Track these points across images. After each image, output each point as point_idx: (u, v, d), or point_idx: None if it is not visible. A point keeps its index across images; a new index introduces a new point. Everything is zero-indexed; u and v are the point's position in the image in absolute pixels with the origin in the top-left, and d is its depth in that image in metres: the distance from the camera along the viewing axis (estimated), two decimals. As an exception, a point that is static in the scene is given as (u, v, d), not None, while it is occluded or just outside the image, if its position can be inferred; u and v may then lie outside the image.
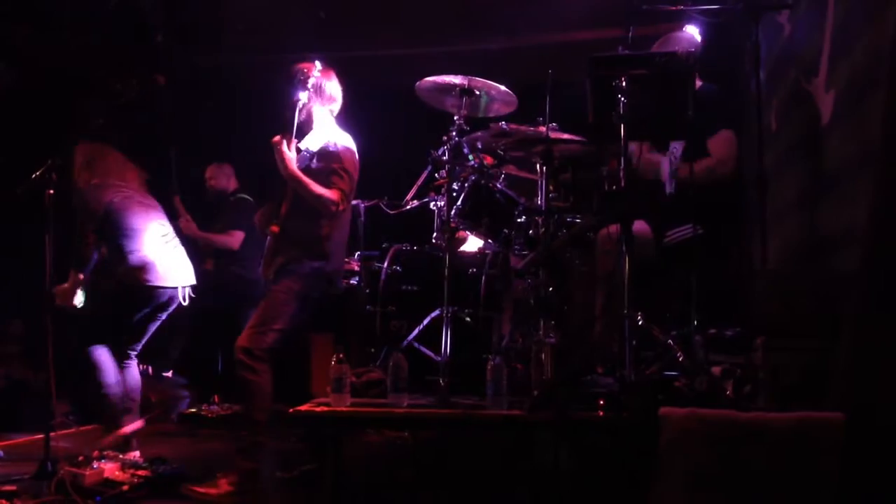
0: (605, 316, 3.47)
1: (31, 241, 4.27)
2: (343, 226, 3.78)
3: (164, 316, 4.40)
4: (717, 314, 3.55)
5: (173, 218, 5.70)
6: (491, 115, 4.07)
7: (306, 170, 3.64)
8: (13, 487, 3.32)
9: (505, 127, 3.66)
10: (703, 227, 3.39)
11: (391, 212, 4.73)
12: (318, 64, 3.68)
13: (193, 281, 4.44)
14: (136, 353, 4.36)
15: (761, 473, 2.38)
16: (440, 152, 3.84)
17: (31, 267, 4.82)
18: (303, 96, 3.62)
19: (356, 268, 4.89)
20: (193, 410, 5.49)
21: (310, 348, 5.33)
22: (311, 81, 3.64)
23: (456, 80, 3.80)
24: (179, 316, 5.74)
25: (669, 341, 3.13)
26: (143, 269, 4.14)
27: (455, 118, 3.78)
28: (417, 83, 3.89)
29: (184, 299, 4.36)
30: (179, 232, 4.71)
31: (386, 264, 4.08)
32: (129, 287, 4.15)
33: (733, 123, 3.66)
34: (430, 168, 4.25)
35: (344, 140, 3.75)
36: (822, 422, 2.38)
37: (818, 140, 3.59)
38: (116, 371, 4.21)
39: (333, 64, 3.89)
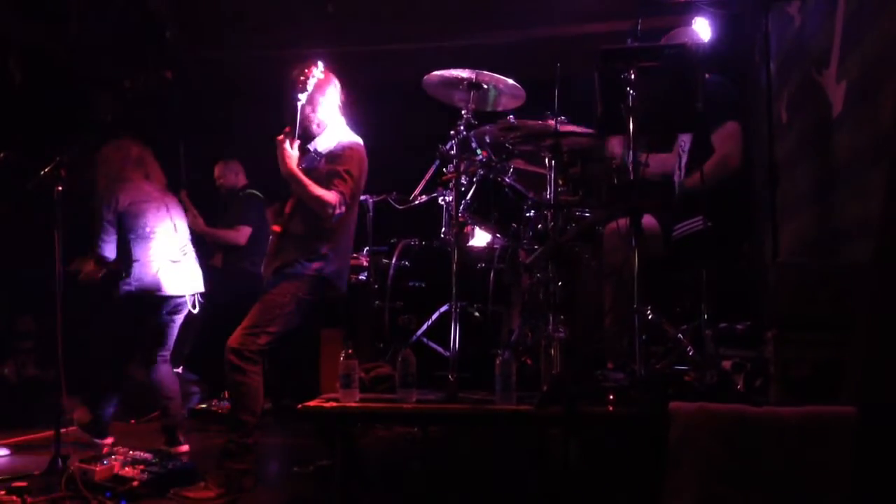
0: (614, 310, 3.45)
1: (40, 237, 4.30)
2: (347, 228, 3.71)
3: (177, 320, 4.57)
4: (728, 308, 3.53)
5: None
6: (499, 109, 4.05)
7: (313, 171, 3.59)
8: (24, 483, 3.34)
9: (512, 120, 3.65)
10: (712, 221, 3.37)
11: (399, 207, 4.72)
12: (319, 64, 3.61)
13: (201, 289, 4.64)
14: (165, 355, 4.56)
15: (772, 468, 2.36)
16: (448, 147, 3.83)
17: (40, 263, 4.84)
18: (302, 97, 3.53)
19: (365, 263, 4.89)
20: (204, 406, 5.51)
21: (319, 344, 5.33)
22: (311, 82, 3.55)
23: (464, 73, 3.79)
24: (189, 312, 5.78)
25: (679, 335, 3.12)
26: (149, 277, 4.37)
27: (463, 112, 3.77)
28: (425, 77, 3.87)
29: (193, 307, 4.57)
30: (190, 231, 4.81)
31: (394, 259, 4.07)
32: (134, 295, 4.38)
33: (739, 115, 3.63)
34: (438, 163, 4.24)
35: (352, 142, 3.69)
36: (833, 416, 2.36)
37: (830, 131, 3.56)
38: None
39: (341, 58, 3.88)
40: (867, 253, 2.62)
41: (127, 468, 3.44)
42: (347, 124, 3.77)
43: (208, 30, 6.26)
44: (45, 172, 3.92)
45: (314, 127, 3.68)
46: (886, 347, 2.37)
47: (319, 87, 3.62)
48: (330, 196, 3.50)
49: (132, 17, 5.85)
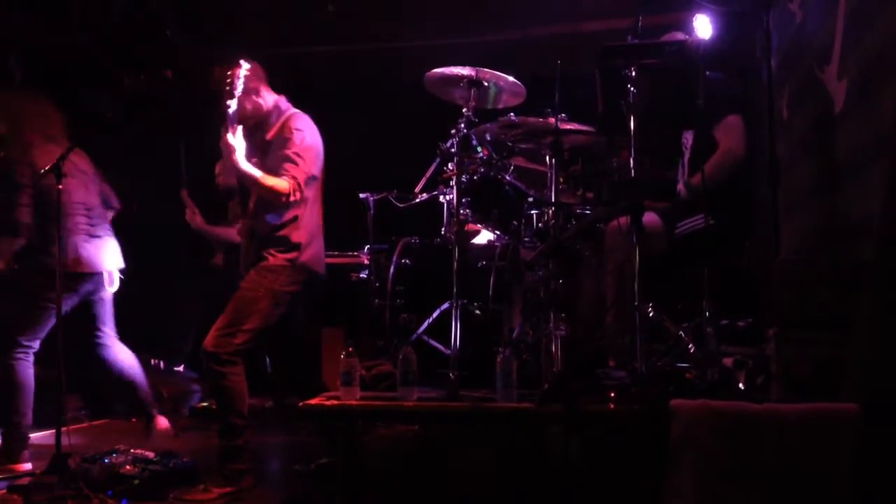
0: (615, 308, 3.45)
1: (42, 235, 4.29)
2: (314, 211, 3.65)
3: (104, 297, 4.28)
4: (730, 305, 3.52)
5: (181, 211, 5.74)
6: (500, 106, 4.04)
7: (267, 160, 3.54)
8: (26, 481, 3.34)
9: (513, 118, 3.65)
10: (714, 219, 3.36)
11: (400, 205, 4.72)
12: (244, 64, 3.52)
13: (121, 265, 4.35)
14: (106, 332, 4.33)
15: (774, 465, 2.36)
16: (449, 144, 3.82)
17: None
18: (232, 103, 3.45)
19: (365, 261, 4.89)
20: (205, 404, 5.50)
21: (320, 342, 5.33)
22: (239, 84, 3.47)
23: (464, 71, 3.78)
24: (190, 311, 5.78)
25: (681, 333, 3.11)
26: (69, 252, 4.05)
27: (463, 110, 3.76)
28: (425, 75, 3.87)
29: (112, 283, 4.28)
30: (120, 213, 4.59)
31: (395, 258, 4.07)
32: (50, 271, 3.86)
33: (741, 109, 3.62)
34: (438, 160, 4.22)
35: (298, 122, 3.61)
36: (835, 413, 2.36)
37: (831, 129, 3.55)
38: (31, 395, 3.99)
39: (341, 56, 3.89)
40: (868, 251, 2.62)
41: (128, 467, 3.44)
42: (342, 118, 3.75)
43: (209, 28, 6.25)
44: (45, 170, 3.91)
45: (260, 118, 3.63)
46: (887, 345, 2.37)
47: (249, 80, 3.54)
48: (282, 184, 3.43)
49: (133, 16, 5.85)
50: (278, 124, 3.62)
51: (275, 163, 3.51)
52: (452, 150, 3.72)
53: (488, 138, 3.83)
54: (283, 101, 3.71)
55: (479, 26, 5.93)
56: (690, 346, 3.07)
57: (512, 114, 3.73)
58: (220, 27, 6.24)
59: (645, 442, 2.64)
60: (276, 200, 3.47)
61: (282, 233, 3.54)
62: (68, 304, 4.07)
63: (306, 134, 3.58)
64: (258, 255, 3.56)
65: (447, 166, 3.93)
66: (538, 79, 3.81)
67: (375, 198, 4.90)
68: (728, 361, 3.03)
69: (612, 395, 2.81)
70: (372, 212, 4.90)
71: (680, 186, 3.64)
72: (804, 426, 2.36)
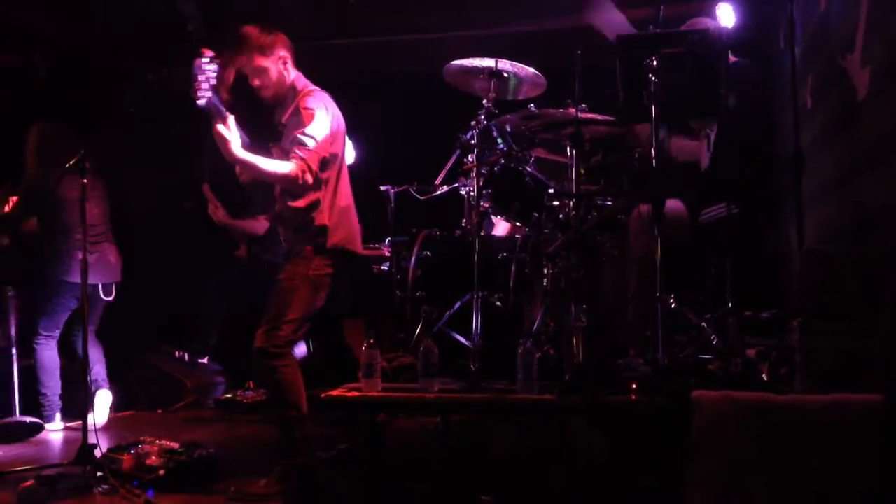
0: (637, 299, 3.44)
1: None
2: (337, 192, 3.46)
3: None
4: (753, 296, 3.50)
5: (203, 204, 5.77)
6: (520, 97, 4.03)
7: (283, 147, 3.40)
8: (53, 472, 3.38)
9: (533, 109, 3.63)
10: (737, 207, 3.33)
11: (420, 197, 4.71)
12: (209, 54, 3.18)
13: (109, 279, 4.88)
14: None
15: (798, 456, 2.34)
16: (469, 136, 3.81)
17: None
18: (211, 96, 3.14)
19: (386, 253, 4.90)
20: (229, 396, 5.53)
21: (342, 333, 5.35)
22: (213, 77, 3.15)
23: (484, 62, 3.77)
24: (214, 303, 5.82)
25: (703, 324, 3.10)
26: (63, 263, 4.64)
27: (483, 102, 3.75)
28: (445, 66, 3.86)
29: (106, 295, 4.86)
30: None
31: (416, 249, 4.07)
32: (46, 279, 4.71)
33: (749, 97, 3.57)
34: (458, 152, 4.22)
35: (309, 101, 3.38)
36: (859, 404, 2.34)
37: (855, 117, 3.51)
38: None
39: (363, 48, 3.88)
40: (893, 240, 2.59)
41: (153, 457, 3.47)
42: (362, 109, 3.66)
43: (231, 22, 6.28)
44: (69, 165, 3.95)
45: (271, 99, 3.47)
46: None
47: (252, 57, 3.36)
48: (286, 168, 3.26)
49: (155, 10, 5.88)
50: (293, 105, 3.42)
51: (288, 146, 3.35)
52: (472, 141, 3.72)
53: (508, 130, 3.82)
54: (300, 80, 3.49)
55: (499, 17, 5.91)
56: (713, 337, 3.05)
57: (532, 105, 3.72)
58: (241, 21, 6.26)
59: (667, 433, 2.63)
60: (290, 187, 3.33)
61: (306, 218, 3.39)
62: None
63: (318, 113, 3.35)
64: (289, 244, 3.48)
65: (467, 158, 3.93)
66: (559, 70, 3.79)
67: (396, 190, 4.90)
68: (751, 353, 3.01)
69: (634, 386, 2.80)
70: (392, 204, 4.91)
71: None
72: (828, 417, 2.34)
